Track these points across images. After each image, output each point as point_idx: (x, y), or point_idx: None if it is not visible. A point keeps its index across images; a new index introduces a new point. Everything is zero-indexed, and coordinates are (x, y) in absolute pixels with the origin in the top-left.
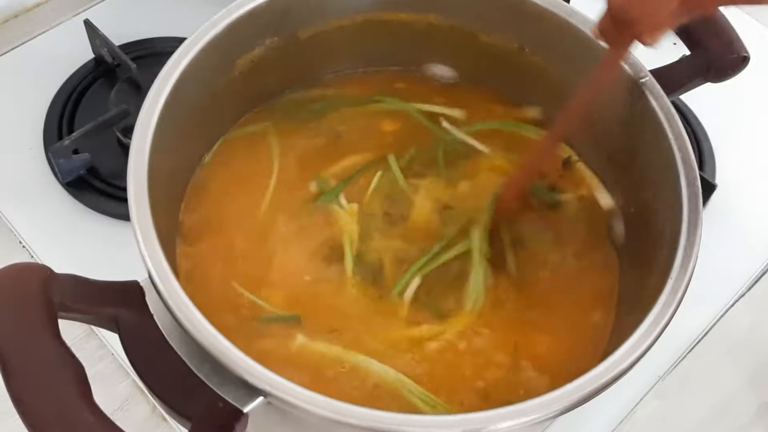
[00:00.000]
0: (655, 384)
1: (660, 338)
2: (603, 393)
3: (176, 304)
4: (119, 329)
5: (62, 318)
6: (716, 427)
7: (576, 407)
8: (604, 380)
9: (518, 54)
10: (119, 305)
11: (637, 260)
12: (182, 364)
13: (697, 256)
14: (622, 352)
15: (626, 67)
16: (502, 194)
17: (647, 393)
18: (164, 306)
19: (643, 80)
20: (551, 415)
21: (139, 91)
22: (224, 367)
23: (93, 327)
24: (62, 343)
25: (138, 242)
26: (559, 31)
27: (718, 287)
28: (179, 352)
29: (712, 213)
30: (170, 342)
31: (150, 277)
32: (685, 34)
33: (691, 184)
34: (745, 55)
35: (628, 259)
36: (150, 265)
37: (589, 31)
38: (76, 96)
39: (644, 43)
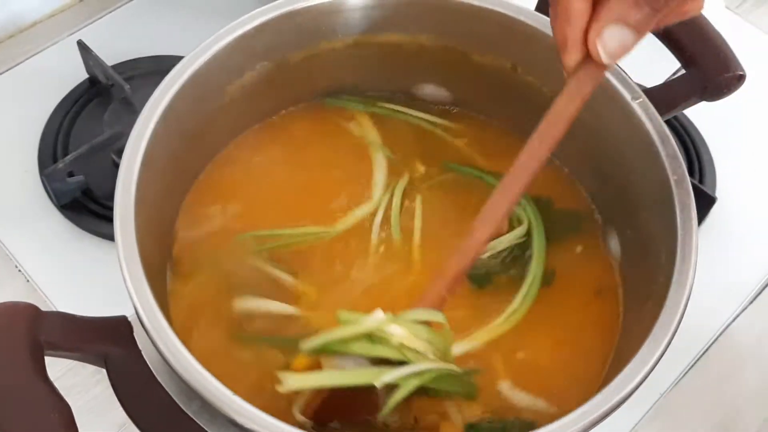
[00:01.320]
0: (657, 401)
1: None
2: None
3: (163, 342)
4: (107, 366)
5: (50, 356)
6: None
7: None
8: (593, 416)
9: (511, 74)
10: (107, 342)
11: (635, 283)
12: (171, 401)
13: (692, 285)
14: (617, 382)
15: (620, 86)
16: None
17: (649, 410)
18: (151, 343)
19: (636, 101)
20: None
21: (133, 110)
22: (213, 406)
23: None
24: (49, 385)
25: (124, 279)
26: (551, 50)
27: (719, 301)
28: (168, 389)
29: (713, 226)
30: (159, 378)
31: (137, 314)
32: (679, 52)
33: (685, 207)
34: (741, 73)
35: (627, 284)
36: (137, 302)
37: None
38: (71, 117)
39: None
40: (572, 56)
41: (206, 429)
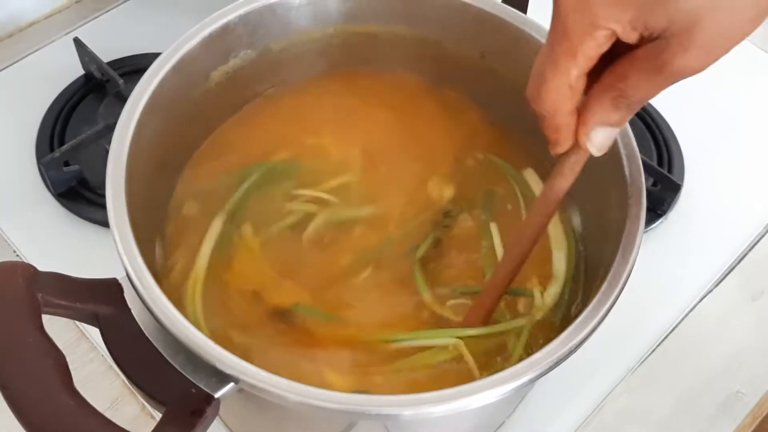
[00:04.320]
0: (624, 377)
1: (627, 334)
2: (572, 385)
3: (151, 299)
4: (100, 324)
5: (46, 313)
6: (684, 419)
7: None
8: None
9: (479, 61)
10: (99, 301)
11: (592, 251)
12: (158, 355)
13: (639, 244)
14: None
15: None
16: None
17: (616, 386)
18: (140, 301)
19: None
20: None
21: None
22: (196, 356)
23: (84, 331)
24: (45, 335)
25: (115, 241)
26: (515, 40)
27: (685, 284)
28: (155, 344)
29: (680, 212)
30: (147, 335)
31: (126, 274)
32: None
33: (634, 180)
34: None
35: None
36: (126, 262)
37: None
38: (67, 110)
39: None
40: (564, 149)
41: (191, 378)
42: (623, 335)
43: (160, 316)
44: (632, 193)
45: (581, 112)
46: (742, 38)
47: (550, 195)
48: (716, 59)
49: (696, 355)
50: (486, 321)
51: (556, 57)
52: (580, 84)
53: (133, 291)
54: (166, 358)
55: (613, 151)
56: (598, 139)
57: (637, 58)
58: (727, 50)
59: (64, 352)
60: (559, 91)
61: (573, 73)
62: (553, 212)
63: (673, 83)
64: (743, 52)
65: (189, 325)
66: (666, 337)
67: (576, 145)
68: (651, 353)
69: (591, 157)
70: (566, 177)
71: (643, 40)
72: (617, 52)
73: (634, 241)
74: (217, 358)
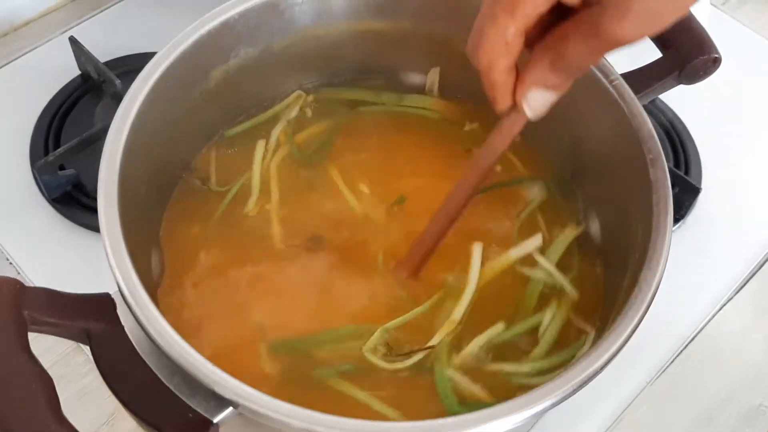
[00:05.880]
0: (644, 389)
1: (646, 345)
2: (590, 398)
3: (145, 317)
4: (90, 341)
5: (33, 331)
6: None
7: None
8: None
9: None
10: (90, 318)
11: (612, 262)
12: (153, 376)
13: (666, 259)
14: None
15: (595, 69)
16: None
17: (636, 397)
18: (134, 318)
19: (613, 83)
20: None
21: None
22: (193, 379)
23: (79, 343)
24: (32, 356)
25: (107, 254)
26: None
27: (704, 291)
28: (150, 364)
29: (699, 216)
30: (141, 354)
31: (119, 289)
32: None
33: (660, 186)
34: (717, 56)
35: (605, 262)
36: (119, 276)
37: None
38: (63, 111)
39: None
40: (502, 107)
41: (187, 402)
42: (641, 346)
43: (154, 336)
44: (657, 201)
45: (520, 72)
46: (683, 11)
47: (487, 151)
48: (654, 31)
49: (716, 366)
50: (413, 274)
51: (494, 12)
52: (517, 42)
53: (126, 307)
54: (161, 379)
55: (636, 155)
56: (535, 101)
57: (577, 22)
58: (664, 24)
59: (58, 364)
60: (495, 46)
61: (510, 29)
62: (490, 169)
63: (611, 50)
64: (761, 53)
65: (185, 344)
66: (685, 348)
67: (514, 106)
68: (669, 364)
69: (599, 156)
70: (503, 135)
71: (585, 3)
72: (561, 16)
73: (660, 258)
74: (215, 381)
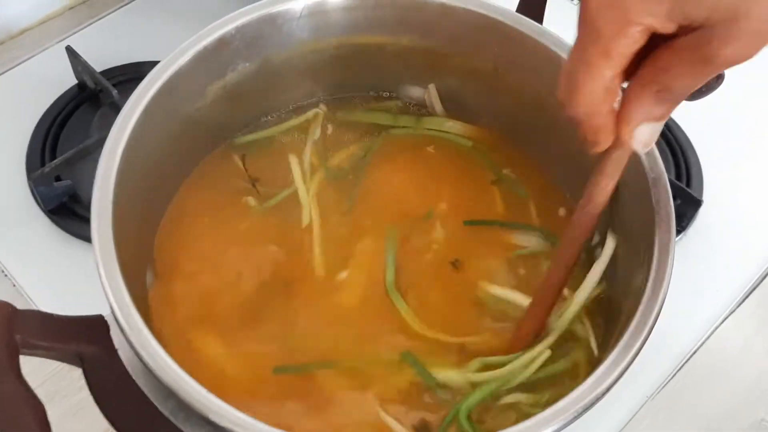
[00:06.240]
0: (645, 403)
1: (646, 359)
2: (590, 413)
3: (139, 342)
4: (83, 365)
5: (24, 354)
6: None
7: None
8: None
9: (493, 74)
10: (83, 341)
11: (616, 282)
12: (146, 401)
13: (669, 281)
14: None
15: None
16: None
17: (637, 412)
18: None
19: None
20: None
21: None
22: (188, 404)
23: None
24: (23, 382)
25: (100, 277)
26: (530, 52)
27: (705, 304)
28: (143, 388)
29: (700, 229)
30: (134, 378)
31: (113, 313)
32: None
33: (662, 204)
34: (720, 72)
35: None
36: (112, 300)
37: (562, 52)
38: (59, 122)
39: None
40: (603, 148)
41: (182, 428)
42: (641, 361)
43: (148, 360)
44: (659, 221)
45: (622, 109)
46: None
47: (595, 194)
48: (760, 49)
49: (718, 380)
50: (530, 341)
51: (588, 59)
52: (616, 84)
53: (120, 330)
54: (155, 404)
55: (638, 171)
56: (644, 136)
57: (679, 50)
58: None
59: (53, 378)
60: (595, 94)
61: (607, 74)
62: (600, 213)
63: (720, 72)
64: (764, 65)
65: (179, 370)
66: (686, 362)
67: (617, 142)
68: (670, 379)
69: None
70: (611, 175)
71: (682, 30)
72: (652, 44)
73: (663, 278)
74: (209, 408)
